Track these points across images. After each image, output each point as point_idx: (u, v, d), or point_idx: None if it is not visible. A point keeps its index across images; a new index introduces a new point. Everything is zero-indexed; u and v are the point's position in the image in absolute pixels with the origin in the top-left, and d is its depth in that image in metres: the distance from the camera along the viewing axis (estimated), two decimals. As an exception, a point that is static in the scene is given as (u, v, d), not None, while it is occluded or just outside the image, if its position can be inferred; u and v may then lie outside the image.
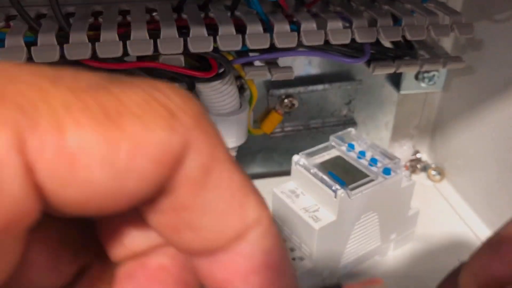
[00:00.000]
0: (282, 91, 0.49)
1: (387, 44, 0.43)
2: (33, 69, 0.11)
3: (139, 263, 0.15)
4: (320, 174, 0.38)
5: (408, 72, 0.50)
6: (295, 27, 0.36)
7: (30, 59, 0.32)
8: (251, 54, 0.39)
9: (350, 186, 0.37)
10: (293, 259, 0.39)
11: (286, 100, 0.49)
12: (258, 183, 0.56)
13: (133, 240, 0.15)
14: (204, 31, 0.34)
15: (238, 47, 0.35)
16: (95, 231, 0.16)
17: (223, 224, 0.13)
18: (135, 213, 0.14)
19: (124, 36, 0.33)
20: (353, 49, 0.39)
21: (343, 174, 0.39)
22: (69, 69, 0.12)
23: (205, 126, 0.12)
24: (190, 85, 0.37)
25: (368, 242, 0.42)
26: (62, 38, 0.33)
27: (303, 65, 0.49)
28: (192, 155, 0.12)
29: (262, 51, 0.38)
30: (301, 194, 0.40)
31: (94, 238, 0.16)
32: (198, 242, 0.13)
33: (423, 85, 0.51)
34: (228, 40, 0.34)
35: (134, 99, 0.11)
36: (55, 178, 0.11)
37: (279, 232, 0.14)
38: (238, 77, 0.43)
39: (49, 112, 0.10)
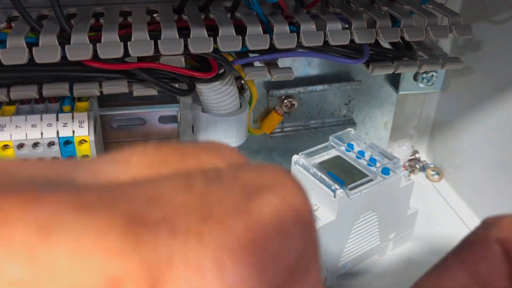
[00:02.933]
0: (282, 91, 0.49)
1: (386, 45, 0.43)
2: (183, 204, 0.11)
3: None
4: (320, 174, 0.38)
5: (407, 72, 0.50)
6: (295, 28, 0.37)
7: (31, 59, 0.32)
8: (251, 55, 0.39)
9: (349, 186, 0.37)
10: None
11: (285, 101, 0.50)
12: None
13: None
14: (204, 32, 0.34)
15: (238, 48, 0.35)
16: None
17: None
18: None
19: (125, 37, 0.33)
20: (352, 50, 0.39)
21: (342, 174, 0.39)
22: (213, 189, 0.12)
23: (315, 220, 0.13)
24: (191, 86, 0.37)
25: (367, 241, 0.42)
26: (64, 39, 0.33)
27: (303, 65, 0.49)
28: (306, 250, 0.12)
29: (262, 52, 0.38)
30: (300, 194, 0.40)
31: None
32: None
33: (421, 85, 0.51)
34: (228, 41, 0.35)
35: (270, 211, 0.12)
36: None
37: None
38: (238, 78, 0.44)
39: (210, 262, 0.11)
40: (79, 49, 0.32)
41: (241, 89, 0.45)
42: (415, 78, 0.51)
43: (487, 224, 0.19)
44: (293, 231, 0.12)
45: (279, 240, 0.12)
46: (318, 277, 0.14)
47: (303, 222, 0.12)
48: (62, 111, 0.38)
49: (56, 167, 0.12)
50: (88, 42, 0.33)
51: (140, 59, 0.35)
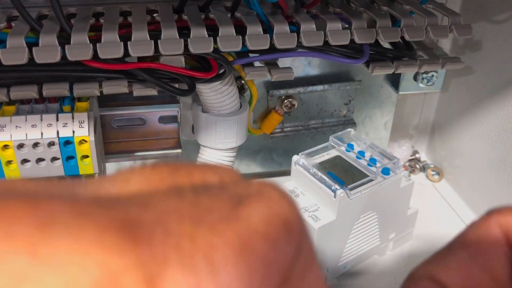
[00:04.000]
0: (282, 91, 0.49)
1: (386, 45, 0.43)
2: (174, 209, 0.12)
3: None
4: (320, 174, 0.38)
5: (407, 72, 0.50)
6: (295, 28, 0.37)
7: (31, 59, 0.32)
8: (251, 55, 0.39)
9: (350, 186, 0.37)
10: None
11: (286, 101, 0.50)
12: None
13: None
14: (204, 32, 0.34)
15: (238, 48, 0.35)
16: None
17: None
18: None
19: (125, 37, 0.33)
20: (353, 50, 0.39)
21: (343, 174, 0.39)
22: (202, 198, 0.12)
23: (305, 225, 0.14)
24: (191, 86, 0.37)
25: (367, 241, 0.42)
26: (64, 39, 0.33)
27: (303, 65, 0.49)
28: (300, 257, 0.13)
29: (262, 52, 0.38)
30: (300, 194, 0.40)
31: None
32: None
33: (421, 85, 0.51)
34: (228, 41, 0.35)
35: (259, 218, 0.12)
36: None
37: None
38: (238, 78, 0.44)
39: (204, 260, 0.11)
40: (79, 49, 0.32)
41: (241, 89, 0.45)
42: (415, 78, 0.51)
43: (490, 211, 0.20)
44: (282, 237, 0.13)
45: (269, 245, 0.12)
46: (318, 278, 0.14)
47: (292, 229, 0.13)
48: (62, 111, 0.38)
49: (59, 184, 0.13)
50: (88, 42, 0.33)
51: (140, 59, 0.35)
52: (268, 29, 0.36)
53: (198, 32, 0.34)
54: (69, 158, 0.37)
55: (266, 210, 0.13)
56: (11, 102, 0.37)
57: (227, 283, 0.12)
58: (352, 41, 0.37)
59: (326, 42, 0.37)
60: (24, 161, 0.37)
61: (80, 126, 0.36)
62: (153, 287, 0.11)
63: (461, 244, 0.20)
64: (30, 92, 0.35)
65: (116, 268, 0.10)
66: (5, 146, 0.36)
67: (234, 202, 0.13)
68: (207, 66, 0.37)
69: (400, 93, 0.52)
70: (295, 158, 0.41)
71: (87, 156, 0.37)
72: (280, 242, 0.13)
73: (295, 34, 0.36)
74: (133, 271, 0.11)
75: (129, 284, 0.10)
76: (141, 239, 0.11)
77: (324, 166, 0.40)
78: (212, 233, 0.12)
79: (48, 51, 0.32)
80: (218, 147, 0.43)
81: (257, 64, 0.41)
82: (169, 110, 0.44)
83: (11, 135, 0.35)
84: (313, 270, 0.14)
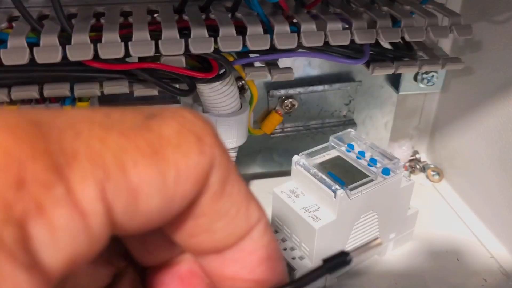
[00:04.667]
0: (282, 92, 0.49)
1: (386, 45, 0.43)
2: (86, 117, 0.13)
3: (169, 270, 0.18)
4: (320, 174, 0.38)
5: (407, 73, 0.50)
6: (295, 28, 0.37)
7: (32, 60, 0.32)
8: (251, 55, 0.39)
9: (350, 186, 0.37)
10: (293, 258, 0.39)
11: (286, 101, 0.50)
12: (258, 183, 0.56)
13: (157, 249, 0.17)
14: (205, 32, 0.34)
15: (239, 48, 0.35)
16: (124, 242, 0.17)
17: (233, 226, 0.15)
18: (158, 230, 0.16)
19: (126, 37, 0.33)
20: (353, 50, 0.39)
21: (343, 174, 0.39)
22: (113, 111, 0.13)
23: (221, 144, 0.14)
24: (191, 86, 0.37)
25: (367, 241, 0.42)
26: (64, 39, 0.33)
27: (303, 66, 0.50)
28: (214, 170, 0.14)
29: (262, 52, 0.38)
30: (301, 194, 0.40)
31: (125, 248, 0.18)
32: (212, 243, 0.15)
33: (422, 86, 0.51)
34: (228, 41, 0.35)
35: (171, 131, 0.13)
36: (126, 213, 0.12)
37: (271, 227, 0.16)
38: (239, 78, 0.44)
39: (113, 159, 0.12)
40: (80, 49, 0.32)
41: (242, 89, 0.45)
42: (415, 78, 0.51)
43: None
44: (194, 150, 0.13)
45: (180, 154, 0.13)
46: (240, 190, 0.15)
47: (205, 144, 0.14)
48: (62, 111, 0.38)
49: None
50: (89, 42, 0.33)
51: (141, 59, 0.35)
52: (268, 30, 0.36)
53: (199, 32, 0.34)
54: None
55: (178, 126, 0.13)
56: (12, 102, 0.37)
57: (137, 183, 0.12)
58: (352, 41, 0.37)
59: (326, 42, 0.37)
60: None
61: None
62: (60, 175, 0.11)
63: None
64: (31, 92, 0.35)
65: (24, 155, 0.11)
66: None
67: (147, 117, 0.13)
68: (207, 67, 0.37)
69: (401, 93, 0.52)
70: (295, 158, 0.41)
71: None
72: (191, 153, 0.13)
73: (296, 34, 0.36)
74: (41, 159, 0.11)
75: (36, 170, 0.11)
76: (51, 136, 0.12)
77: (325, 166, 0.40)
78: (122, 138, 0.12)
79: (49, 51, 0.32)
80: (219, 147, 0.43)
81: (257, 64, 0.41)
82: (170, 110, 0.44)
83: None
84: (232, 183, 0.14)
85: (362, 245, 0.19)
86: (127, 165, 0.12)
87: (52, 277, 0.11)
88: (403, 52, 0.42)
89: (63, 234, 0.11)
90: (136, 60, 0.36)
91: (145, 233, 0.16)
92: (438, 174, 0.54)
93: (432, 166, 0.55)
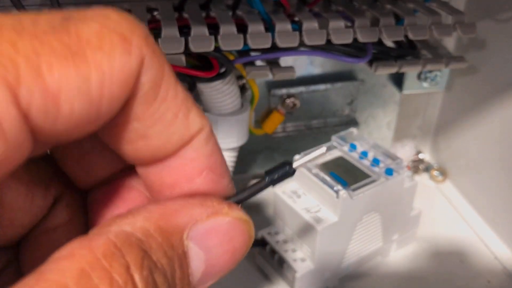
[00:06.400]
0: (284, 91, 0.49)
1: (389, 43, 0.43)
2: None
3: (108, 190, 0.17)
4: (322, 174, 0.38)
5: (411, 72, 0.50)
6: (297, 26, 0.36)
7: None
8: (252, 53, 0.39)
9: (352, 187, 0.37)
10: (295, 260, 0.39)
11: (287, 100, 0.49)
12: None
13: (95, 168, 0.17)
14: (205, 31, 0.34)
15: (240, 46, 0.35)
16: (60, 166, 0.17)
17: (170, 132, 0.14)
18: (95, 146, 0.16)
19: (125, 36, 0.33)
20: (355, 49, 0.39)
21: (345, 174, 0.39)
22: (25, 15, 0.13)
23: (153, 45, 0.14)
24: (191, 85, 0.37)
25: (370, 242, 0.41)
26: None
27: (305, 64, 0.49)
28: (145, 72, 0.13)
29: (263, 51, 0.38)
30: (302, 194, 0.40)
31: (62, 172, 0.17)
32: (149, 150, 0.15)
33: (425, 85, 0.51)
34: (229, 39, 0.34)
35: (90, 32, 0.13)
36: (45, 118, 0.12)
37: (217, 140, 0.16)
38: (240, 77, 0.43)
39: (25, 62, 0.11)
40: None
41: (243, 89, 0.45)
42: (418, 77, 0.51)
43: None
44: (118, 50, 0.13)
45: (102, 55, 0.12)
46: (177, 96, 0.14)
47: (131, 44, 0.13)
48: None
49: None
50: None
51: (140, 58, 0.35)
52: (269, 28, 0.36)
53: (199, 31, 0.34)
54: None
55: (100, 26, 0.13)
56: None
57: (54, 87, 0.12)
58: (355, 39, 0.37)
59: (328, 41, 0.36)
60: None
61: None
62: (13, 95, 0.11)
63: None
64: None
65: None
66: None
67: (64, 18, 0.13)
68: (208, 65, 0.37)
69: (404, 92, 0.51)
70: (296, 158, 0.40)
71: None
72: (115, 54, 0.13)
73: (297, 32, 0.35)
74: None
75: None
76: (5, 64, 0.11)
77: (327, 167, 0.40)
78: (35, 41, 0.12)
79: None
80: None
81: (258, 63, 0.40)
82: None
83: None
84: (167, 86, 0.14)
85: (306, 154, 0.18)
86: (41, 68, 0.12)
87: None
88: (406, 51, 0.42)
89: None
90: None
91: (82, 149, 0.17)
92: (442, 174, 0.54)
93: (435, 166, 0.55)
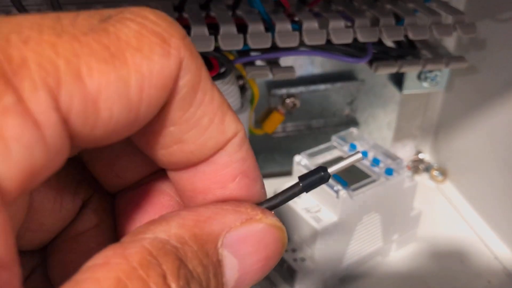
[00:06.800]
0: (284, 91, 0.49)
1: (389, 43, 0.43)
2: (34, 22, 0.12)
3: (137, 193, 0.17)
4: (322, 174, 0.38)
5: (411, 71, 0.50)
6: (297, 26, 0.36)
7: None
8: (252, 53, 0.39)
9: (352, 187, 0.37)
10: (295, 259, 0.39)
11: (287, 100, 0.49)
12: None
13: (125, 172, 0.17)
14: (205, 31, 0.34)
15: (240, 46, 0.34)
16: (89, 169, 0.17)
17: (206, 137, 0.14)
18: (125, 148, 0.16)
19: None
20: (355, 49, 0.39)
21: (345, 174, 0.39)
22: (64, 14, 0.12)
23: (190, 47, 0.13)
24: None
25: (370, 242, 0.41)
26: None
27: (305, 64, 0.49)
28: (183, 75, 0.13)
29: (263, 51, 0.38)
30: (302, 194, 0.39)
31: (90, 175, 0.17)
32: (184, 155, 0.14)
33: (425, 85, 0.51)
34: (229, 39, 0.34)
35: (129, 33, 0.12)
36: (84, 123, 0.12)
37: (249, 144, 0.16)
38: (240, 77, 0.43)
39: (65, 65, 0.11)
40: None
41: (243, 89, 0.45)
42: (419, 77, 0.50)
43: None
44: (158, 50, 0.12)
45: (141, 56, 0.12)
46: (215, 99, 0.14)
47: (170, 45, 0.13)
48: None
49: None
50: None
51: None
52: (269, 28, 0.36)
53: (199, 31, 0.34)
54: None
55: (138, 27, 0.12)
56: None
57: (94, 90, 0.11)
58: (355, 39, 0.37)
59: (328, 41, 0.36)
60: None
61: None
62: (7, 84, 0.10)
63: None
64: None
65: None
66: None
67: (102, 19, 0.12)
68: (207, 65, 0.37)
69: (404, 92, 0.51)
70: (297, 158, 0.40)
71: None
72: (154, 56, 0.12)
73: (297, 32, 0.35)
74: (39, 90, 0.11)
75: None
76: (47, 67, 0.11)
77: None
78: (75, 43, 0.11)
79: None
80: (219, 147, 0.43)
81: (258, 63, 0.40)
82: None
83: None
84: (204, 90, 0.14)
85: (340, 159, 0.17)
86: (81, 71, 0.11)
87: (9, 194, 0.10)
88: (407, 51, 0.42)
89: (16, 146, 0.10)
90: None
91: (112, 153, 0.16)
92: (442, 174, 0.54)
93: (435, 166, 0.55)
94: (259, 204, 0.16)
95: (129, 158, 0.17)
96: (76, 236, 0.17)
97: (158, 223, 0.14)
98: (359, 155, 0.17)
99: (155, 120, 0.13)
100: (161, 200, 0.17)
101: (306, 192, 0.17)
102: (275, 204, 0.16)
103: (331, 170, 0.17)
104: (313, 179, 0.16)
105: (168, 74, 0.12)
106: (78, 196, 0.17)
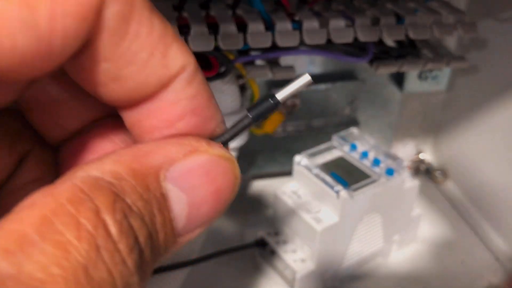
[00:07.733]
0: (284, 90, 0.49)
1: (390, 43, 0.43)
2: None
3: (80, 141, 0.16)
4: (322, 174, 0.38)
5: (411, 71, 0.49)
6: (297, 25, 0.36)
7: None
8: (252, 53, 0.38)
9: (353, 187, 0.37)
10: (295, 261, 0.39)
11: (287, 100, 0.49)
12: (259, 184, 0.56)
13: (64, 119, 0.16)
14: (205, 30, 0.34)
15: (240, 46, 0.34)
16: (28, 119, 0.16)
17: (146, 73, 0.13)
18: (64, 93, 0.15)
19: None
20: (356, 48, 0.39)
21: (346, 174, 0.38)
22: None
23: None
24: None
25: (370, 243, 0.41)
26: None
27: (305, 64, 0.49)
28: (108, 4, 0.12)
29: (263, 50, 0.38)
30: (303, 195, 0.39)
31: (28, 127, 0.16)
32: (125, 93, 0.13)
33: (426, 84, 0.50)
34: (229, 39, 0.34)
35: None
36: None
37: (205, 79, 0.14)
38: (240, 77, 0.43)
39: None
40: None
41: (243, 88, 0.44)
42: (419, 77, 0.50)
43: None
44: None
45: None
46: (155, 30, 0.13)
47: None
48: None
49: None
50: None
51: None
52: (270, 27, 0.36)
53: (199, 30, 0.34)
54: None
55: None
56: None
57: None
58: (355, 39, 0.37)
59: (329, 40, 0.36)
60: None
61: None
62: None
63: None
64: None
65: None
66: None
67: None
68: (207, 65, 0.37)
69: (404, 92, 0.51)
70: (297, 158, 0.40)
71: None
72: None
73: (298, 32, 0.35)
74: None
75: None
76: None
77: (327, 167, 0.39)
78: None
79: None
80: (219, 147, 0.43)
81: (258, 62, 0.40)
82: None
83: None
84: (139, 21, 0.13)
85: (288, 83, 0.16)
86: None
87: None
88: (407, 50, 0.42)
89: None
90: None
91: (48, 97, 0.15)
92: (443, 174, 0.53)
93: (436, 166, 0.55)
94: (212, 139, 0.15)
95: (69, 105, 0.16)
96: (16, 190, 0.16)
97: (92, 163, 0.13)
98: (307, 77, 0.16)
99: (86, 56, 0.12)
100: (104, 148, 0.16)
101: (256, 121, 0.16)
102: (226, 139, 0.15)
103: (279, 95, 0.16)
104: (261, 108, 0.16)
105: (87, 3, 0.11)
106: (15, 149, 0.16)
